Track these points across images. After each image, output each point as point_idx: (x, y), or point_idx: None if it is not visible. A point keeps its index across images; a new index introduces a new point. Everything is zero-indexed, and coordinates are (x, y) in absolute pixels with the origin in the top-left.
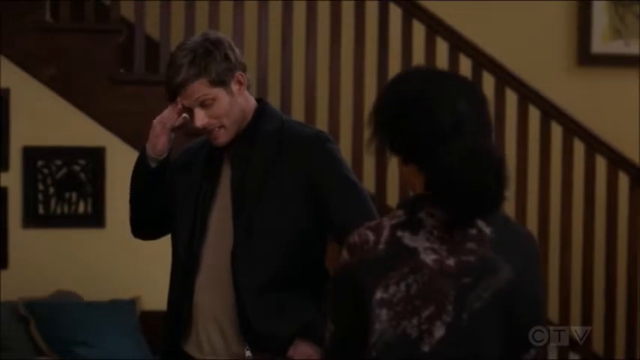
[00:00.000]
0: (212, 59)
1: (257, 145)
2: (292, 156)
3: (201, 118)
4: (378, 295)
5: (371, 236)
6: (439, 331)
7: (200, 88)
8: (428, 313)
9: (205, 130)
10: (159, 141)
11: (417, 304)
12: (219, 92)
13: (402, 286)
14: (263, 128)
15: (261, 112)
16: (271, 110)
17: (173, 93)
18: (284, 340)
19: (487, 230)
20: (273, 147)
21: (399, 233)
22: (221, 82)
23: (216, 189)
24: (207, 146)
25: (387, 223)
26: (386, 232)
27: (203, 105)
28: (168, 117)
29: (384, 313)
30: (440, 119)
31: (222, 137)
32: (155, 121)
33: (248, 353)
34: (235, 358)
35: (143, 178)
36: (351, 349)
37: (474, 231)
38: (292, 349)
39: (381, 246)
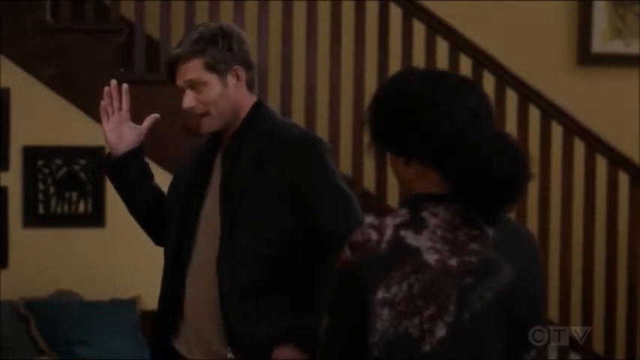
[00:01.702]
0: (214, 45)
1: (247, 143)
2: (282, 157)
3: (189, 100)
4: (380, 294)
5: (374, 235)
6: (440, 331)
7: (194, 69)
8: (429, 312)
9: (190, 114)
10: (105, 132)
11: (418, 303)
12: (211, 78)
13: (404, 286)
14: (255, 127)
15: (255, 112)
16: (265, 110)
17: (171, 67)
18: (266, 344)
19: (489, 231)
20: (263, 146)
21: (402, 232)
22: (216, 69)
23: (207, 187)
24: (205, 145)
25: (390, 222)
26: (389, 231)
27: (194, 87)
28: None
29: (385, 313)
30: (456, 117)
31: (206, 125)
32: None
33: (230, 355)
34: (217, 359)
35: (108, 171)
36: (348, 347)
37: (476, 231)
38: (276, 353)
39: (384, 245)
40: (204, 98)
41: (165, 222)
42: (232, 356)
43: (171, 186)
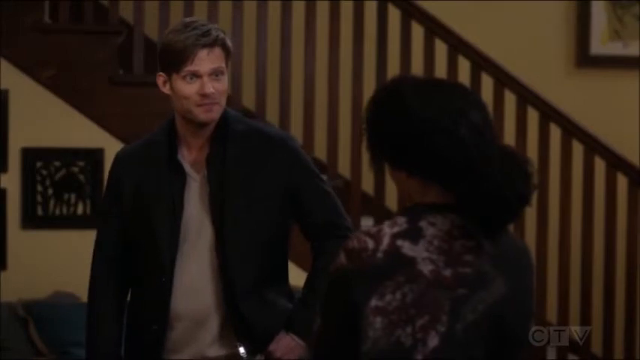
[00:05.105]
0: (226, 36)
1: (230, 145)
2: (267, 156)
3: (210, 85)
4: (373, 303)
5: (370, 244)
6: (433, 341)
7: (220, 56)
8: (422, 322)
9: (203, 101)
10: None
11: (411, 313)
12: (225, 70)
13: (398, 295)
14: (232, 129)
15: (227, 113)
16: (233, 111)
17: (189, 53)
18: (275, 333)
19: (486, 243)
20: (247, 147)
21: (399, 242)
22: (228, 62)
23: (182, 194)
24: (152, 157)
25: (387, 231)
26: (386, 241)
27: (215, 74)
28: None
29: (378, 321)
30: (459, 136)
31: (216, 112)
32: None
33: (242, 350)
34: (226, 356)
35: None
36: (340, 347)
37: (472, 243)
38: (274, 344)
39: (380, 254)
40: (221, 87)
41: (149, 241)
42: (244, 351)
43: (131, 203)
